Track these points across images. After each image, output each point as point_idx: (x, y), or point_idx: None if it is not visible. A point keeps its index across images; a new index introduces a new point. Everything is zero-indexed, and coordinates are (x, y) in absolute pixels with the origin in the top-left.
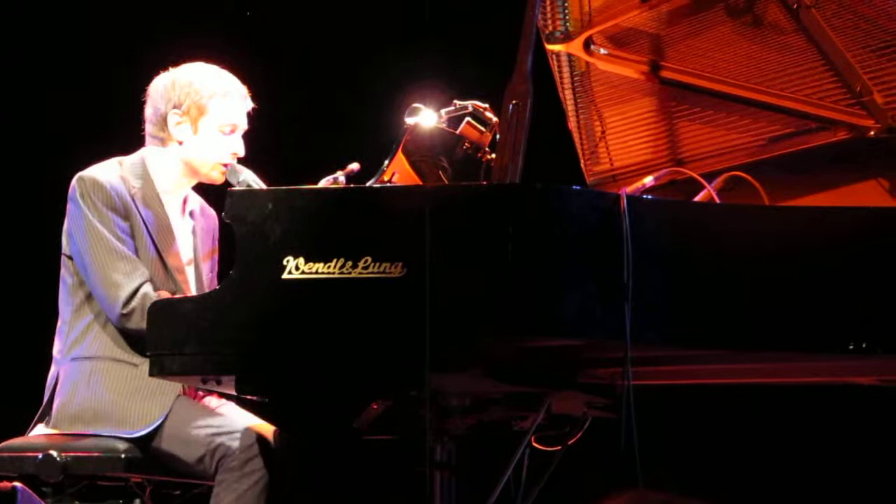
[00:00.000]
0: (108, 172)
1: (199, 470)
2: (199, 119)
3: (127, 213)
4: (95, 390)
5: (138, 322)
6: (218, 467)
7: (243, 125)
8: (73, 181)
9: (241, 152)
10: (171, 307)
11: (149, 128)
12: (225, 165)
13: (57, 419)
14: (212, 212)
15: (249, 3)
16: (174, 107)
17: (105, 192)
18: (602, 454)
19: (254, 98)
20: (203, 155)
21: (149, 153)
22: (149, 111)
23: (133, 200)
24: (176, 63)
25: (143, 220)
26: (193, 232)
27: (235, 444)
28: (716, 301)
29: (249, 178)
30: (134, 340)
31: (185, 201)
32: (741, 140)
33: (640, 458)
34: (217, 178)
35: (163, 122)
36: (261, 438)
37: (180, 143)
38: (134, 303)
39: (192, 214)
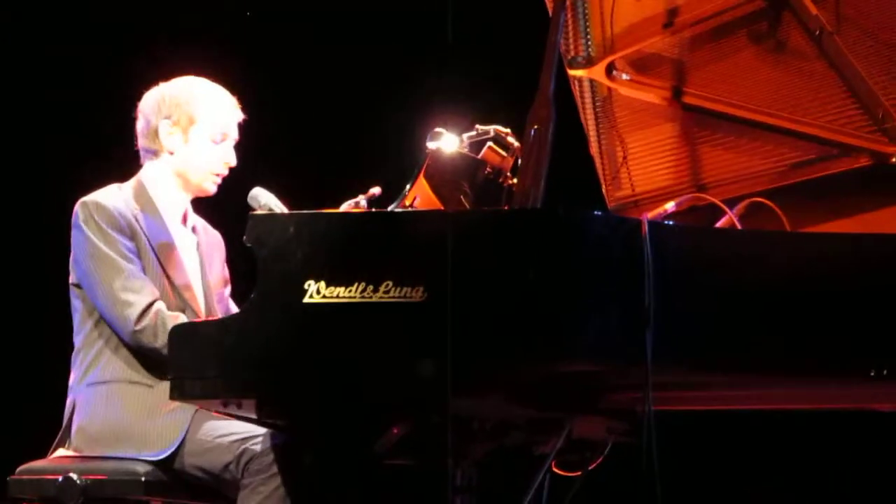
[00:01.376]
0: (110, 196)
1: (225, 478)
2: (190, 128)
3: (132, 234)
4: (114, 413)
5: (151, 339)
6: (244, 472)
7: (234, 135)
8: (77, 207)
9: (233, 162)
10: (192, 330)
11: (141, 141)
12: (217, 175)
13: (77, 441)
14: (215, 231)
15: (275, 29)
16: (165, 117)
17: (109, 214)
18: (623, 480)
19: (276, 121)
20: (194, 164)
21: (145, 175)
22: (140, 125)
23: (136, 221)
24: (167, 77)
25: (148, 241)
26: (198, 247)
27: (259, 447)
28: (736, 327)
29: (271, 202)
30: (147, 361)
31: (185, 217)
32: (763, 166)
33: (660, 483)
34: (210, 188)
35: (154, 133)
36: (284, 444)
37: (171, 153)
38: (146, 320)
39: (194, 230)
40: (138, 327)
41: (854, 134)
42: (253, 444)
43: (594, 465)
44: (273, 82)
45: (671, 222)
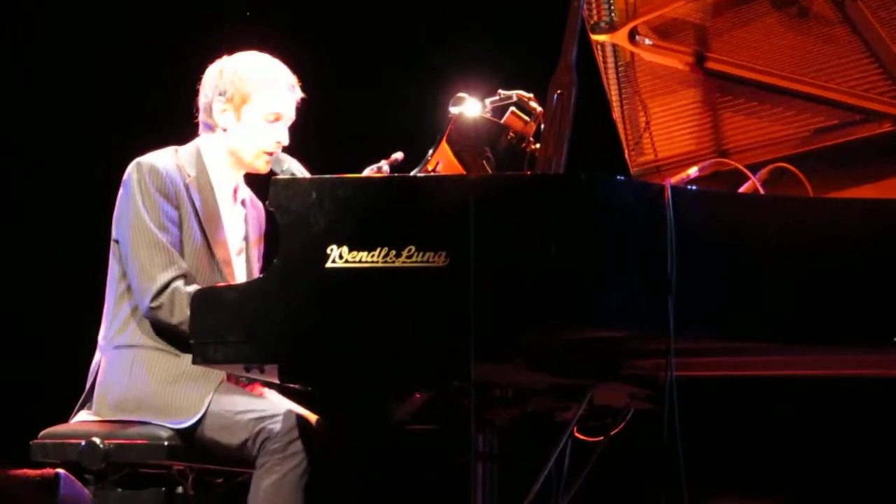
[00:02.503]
0: (165, 159)
1: (242, 454)
2: (243, 107)
3: (178, 202)
4: (137, 379)
5: (167, 316)
6: (260, 450)
7: (289, 115)
8: (130, 166)
9: (285, 141)
10: (214, 295)
11: (201, 115)
12: (269, 154)
13: (99, 406)
14: (259, 203)
15: None
16: (220, 94)
17: (160, 178)
18: (645, 445)
19: (299, 87)
20: (245, 143)
21: (203, 142)
22: (201, 98)
23: (187, 189)
24: (229, 51)
25: (195, 210)
26: (246, 220)
27: (278, 426)
28: (759, 293)
29: (293, 167)
30: (173, 333)
31: (235, 190)
32: (786, 132)
33: (682, 449)
34: (261, 167)
35: (210, 108)
36: (303, 423)
37: (224, 130)
38: (163, 297)
39: (243, 203)
40: (154, 304)
41: (877, 99)
42: (270, 424)
43: (616, 431)
44: (295, 48)
45: (694, 187)
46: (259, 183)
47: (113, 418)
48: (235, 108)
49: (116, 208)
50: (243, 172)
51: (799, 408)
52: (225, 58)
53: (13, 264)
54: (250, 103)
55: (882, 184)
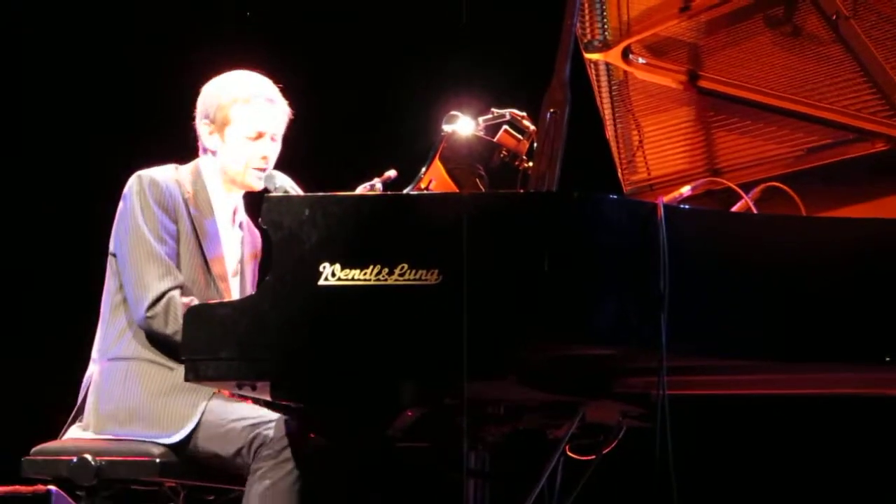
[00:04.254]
0: (166, 174)
1: (237, 463)
2: (225, 128)
3: (176, 216)
4: (130, 391)
5: (161, 326)
6: (255, 457)
7: (272, 130)
8: (131, 178)
9: (271, 156)
10: (206, 312)
11: (200, 138)
12: (258, 170)
13: (91, 419)
14: (256, 231)
15: (290, 12)
16: (204, 118)
17: (160, 191)
18: (636, 463)
19: (292, 104)
20: (231, 162)
21: (203, 163)
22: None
23: (185, 204)
24: (224, 65)
25: (193, 226)
26: (242, 242)
27: (271, 433)
28: (752, 311)
29: (286, 184)
30: (167, 344)
31: (234, 211)
32: (779, 150)
33: (674, 468)
34: (253, 183)
35: (199, 133)
36: (296, 430)
37: (213, 152)
38: (158, 307)
39: (241, 226)
40: (150, 313)
41: (870, 119)
42: (265, 430)
43: (608, 449)
44: (287, 66)
45: (687, 206)
46: (256, 206)
47: (104, 431)
48: (219, 130)
49: (115, 222)
50: (241, 193)
51: (792, 426)
52: (212, 80)
53: (6, 279)
54: (232, 125)
55: (875, 203)
